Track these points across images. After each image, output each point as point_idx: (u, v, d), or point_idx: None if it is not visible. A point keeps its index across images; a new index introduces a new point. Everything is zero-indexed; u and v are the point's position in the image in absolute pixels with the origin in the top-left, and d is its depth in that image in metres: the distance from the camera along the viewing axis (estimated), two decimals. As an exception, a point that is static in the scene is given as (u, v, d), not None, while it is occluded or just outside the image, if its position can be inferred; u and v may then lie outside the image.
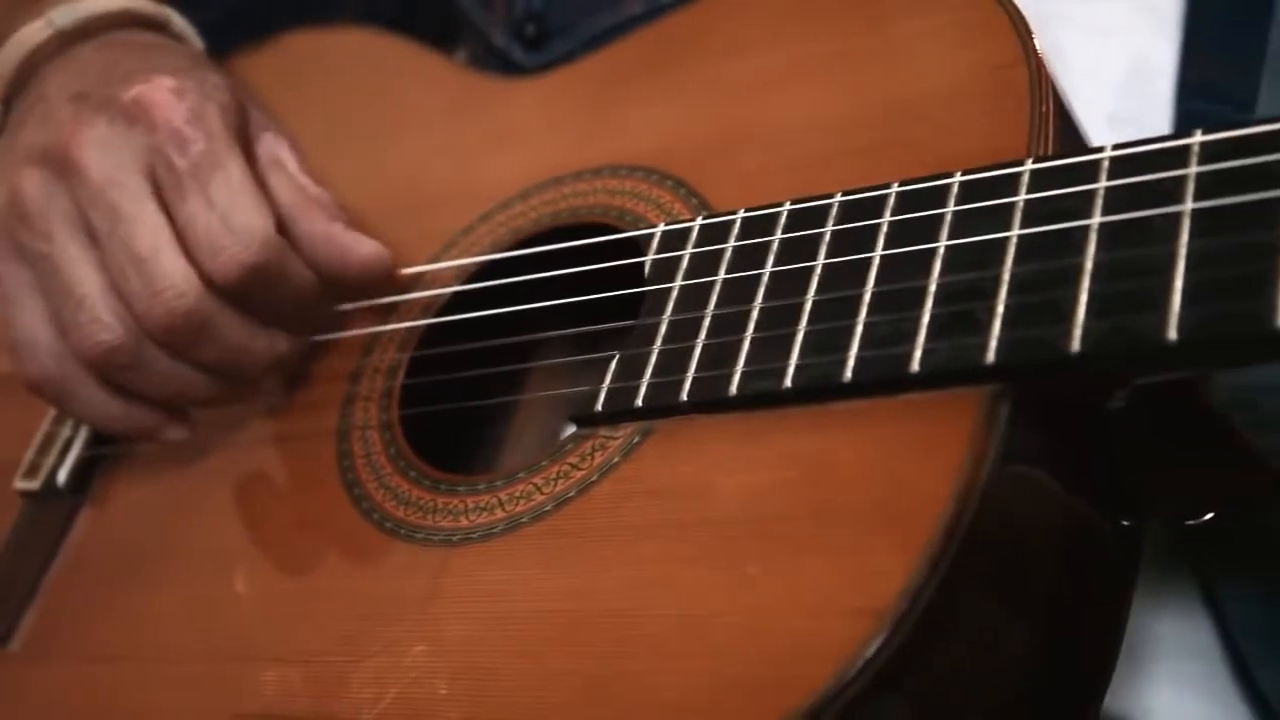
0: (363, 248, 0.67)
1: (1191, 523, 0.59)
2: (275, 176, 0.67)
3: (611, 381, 0.59)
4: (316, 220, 0.67)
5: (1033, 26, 0.73)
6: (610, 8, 0.81)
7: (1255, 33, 0.71)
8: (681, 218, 0.63)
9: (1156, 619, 0.73)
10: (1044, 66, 0.57)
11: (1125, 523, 0.57)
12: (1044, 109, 0.55)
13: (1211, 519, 0.69)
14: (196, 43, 0.81)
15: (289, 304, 0.66)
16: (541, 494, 0.58)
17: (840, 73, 0.64)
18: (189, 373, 0.67)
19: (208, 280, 0.64)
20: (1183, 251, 0.47)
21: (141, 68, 0.69)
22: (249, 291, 0.64)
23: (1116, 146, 0.51)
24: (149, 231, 0.65)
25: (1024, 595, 0.51)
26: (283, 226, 0.66)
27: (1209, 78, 0.71)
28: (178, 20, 0.80)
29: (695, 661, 0.50)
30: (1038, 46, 0.57)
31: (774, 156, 0.63)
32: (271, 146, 0.68)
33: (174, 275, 0.64)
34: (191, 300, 0.64)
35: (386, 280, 0.68)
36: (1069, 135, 0.58)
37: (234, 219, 0.64)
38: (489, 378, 0.68)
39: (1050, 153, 0.55)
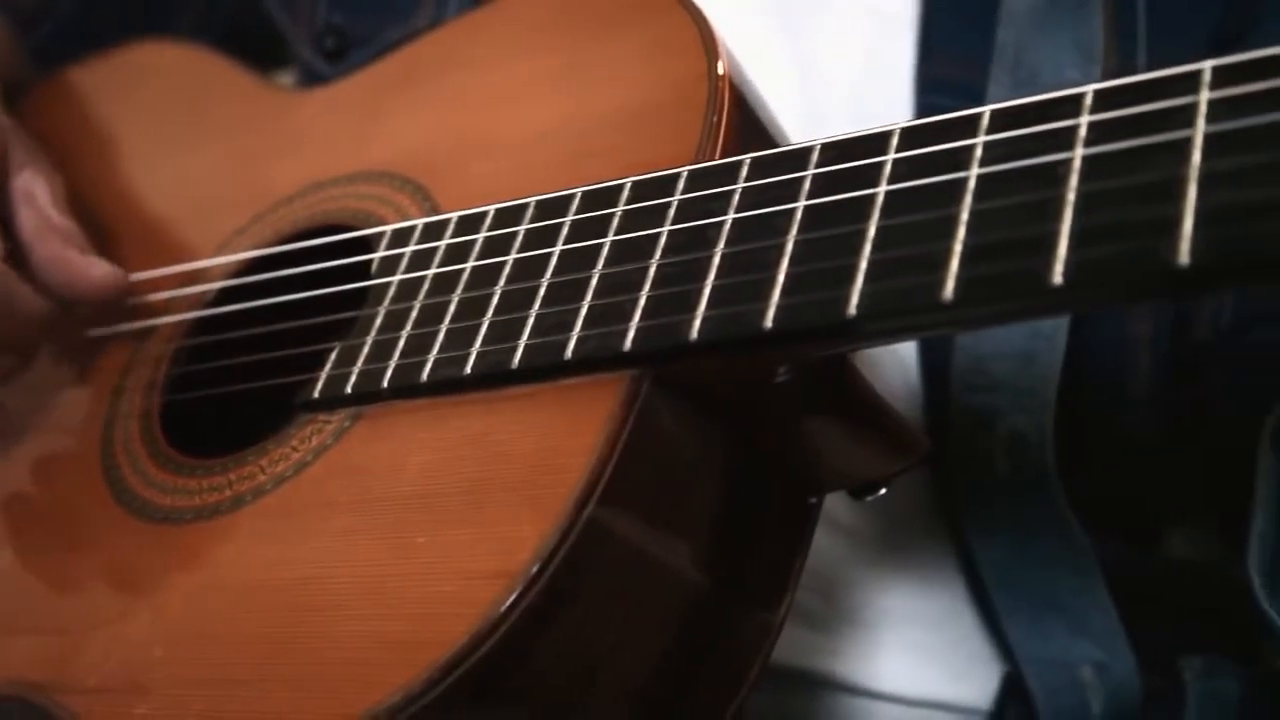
0: (93, 270, 0.72)
1: (870, 498, 0.63)
2: (23, 209, 0.74)
3: (330, 369, 0.63)
4: (51, 247, 0.73)
5: (782, 38, 0.79)
6: (401, 21, 0.86)
7: (983, 32, 0.76)
8: (412, 218, 0.67)
9: (897, 588, 0.78)
10: (725, 81, 0.61)
11: (812, 499, 0.62)
12: (715, 120, 0.60)
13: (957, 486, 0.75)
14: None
15: (20, 327, 0.71)
16: (264, 474, 0.63)
17: (563, 87, 0.68)
18: None
19: None
20: (789, 248, 0.52)
21: None
22: None
23: (755, 156, 0.56)
24: None
25: (664, 566, 0.55)
26: (23, 255, 0.71)
27: (943, 74, 0.77)
28: None
29: (366, 623, 0.55)
30: (722, 67, 0.62)
31: (499, 163, 0.68)
32: (25, 182, 0.75)
33: None
34: None
35: (124, 298, 0.74)
36: (753, 141, 0.62)
37: None
38: (263, 366, 0.73)
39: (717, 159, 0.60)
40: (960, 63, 0.77)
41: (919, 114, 0.75)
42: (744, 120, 0.62)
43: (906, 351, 0.75)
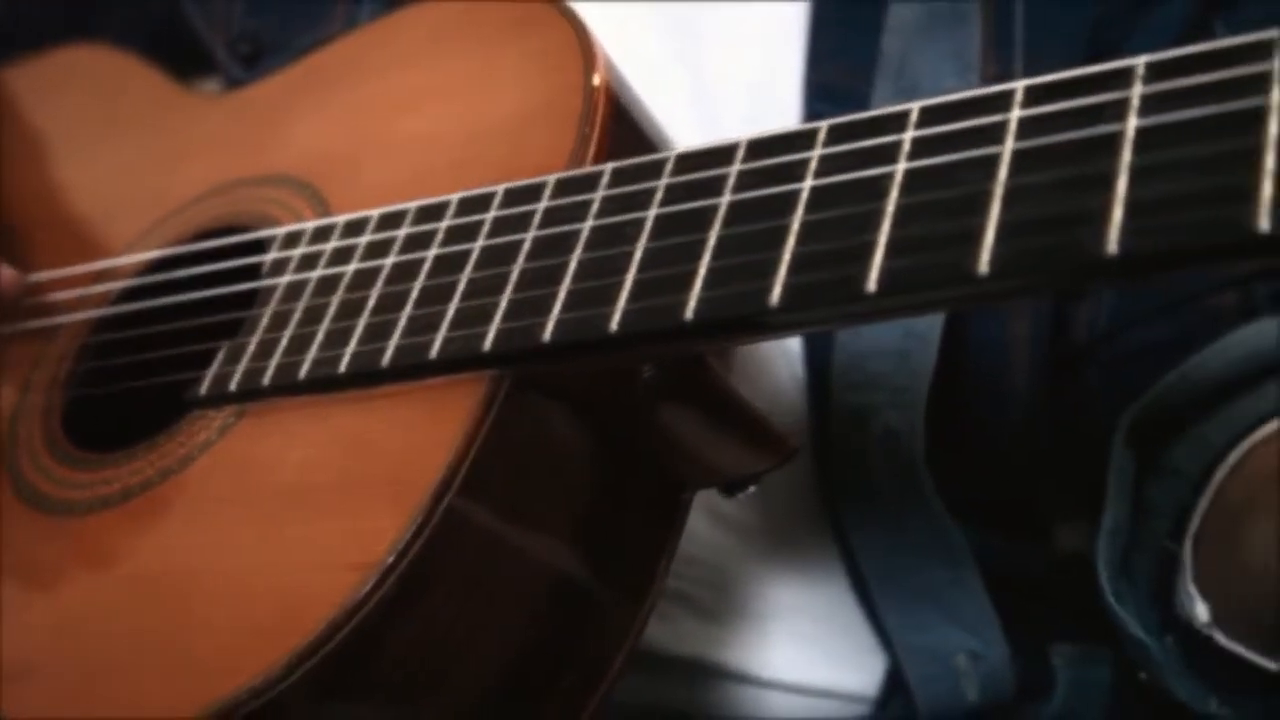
0: None
1: (740, 495, 0.66)
2: None
3: (217, 367, 0.66)
4: None
5: (676, 51, 0.82)
6: (313, 28, 0.88)
7: (869, 41, 0.79)
8: (306, 221, 0.70)
9: (785, 581, 0.81)
10: (601, 92, 0.64)
11: (682, 495, 0.64)
12: (587, 131, 0.62)
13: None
14: None
15: None
16: (152, 468, 0.66)
17: (454, 96, 0.71)
18: None
19: None
20: (638, 255, 0.55)
21: None
22: None
23: (615, 166, 0.59)
24: None
25: (524, 559, 0.58)
26: None
27: (831, 82, 0.79)
28: None
29: (237, 611, 0.57)
30: (598, 78, 0.64)
31: (391, 170, 0.70)
32: None
33: None
34: None
35: (25, 298, 0.76)
36: (633, 151, 0.65)
37: None
38: (161, 363, 0.75)
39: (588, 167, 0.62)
40: (847, 71, 0.79)
41: (807, 121, 0.78)
42: (622, 130, 0.64)
43: (794, 349, 0.78)
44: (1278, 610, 0.62)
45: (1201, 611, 0.66)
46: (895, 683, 0.80)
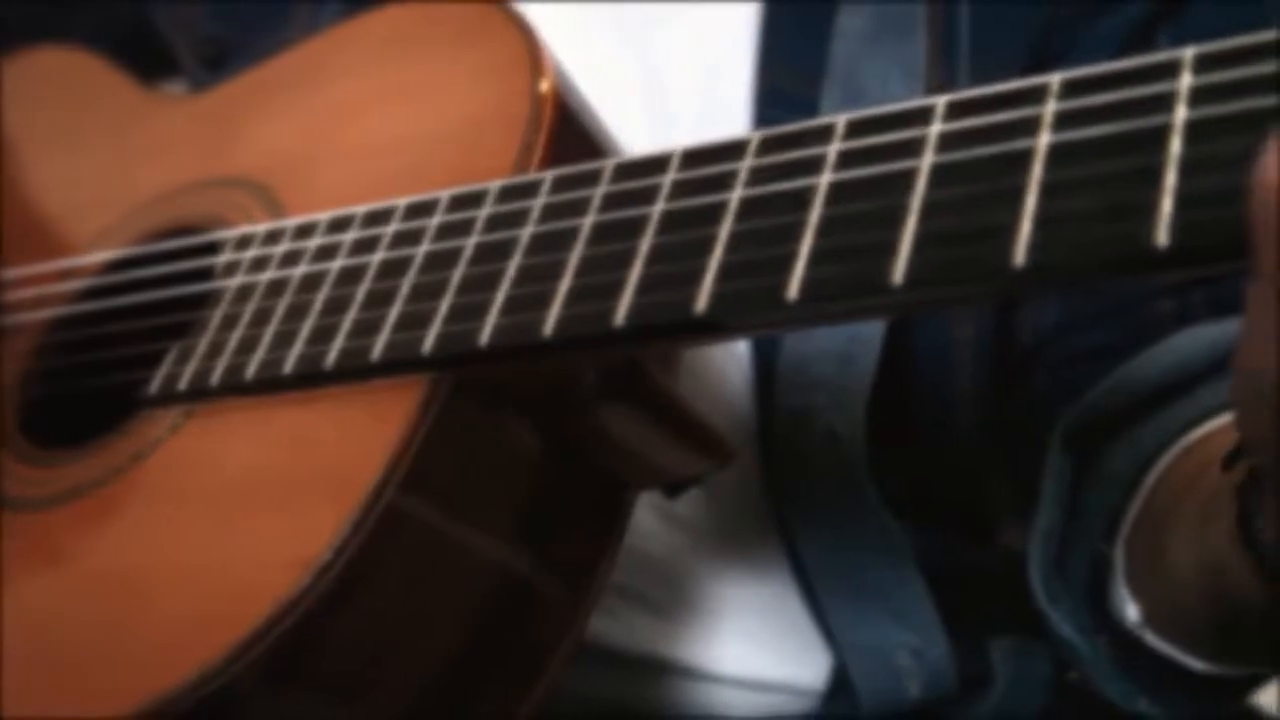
0: None
1: (672, 497, 0.68)
2: None
3: (168, 367, 0.67)
4: None
5: (629, 55, 0.83)
6: (276, 31, 0.89)
7: (819, 47, 0.80)
8: (259, 224, 0.71)
9: (734, 578, 0.82)
10: (547, 99, 0.65)
11: (625, 495, 0.66)
12: (532, 137, 0.64)
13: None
14: None
15: None
16: (105, 466, 0.67)
17: (408, 102, 0.72)
18: None
19: None
20: (573, 261, 0.56)
21: None
22: None
23: (556, 173, 0.60)
24: None
25: (463, 558, 0.59)
26: None
27: (780, 87, 0.81)
28: None
29: (181, 606, 0.59)
30: (544, 85, 0.65)
31: (345, 174, 0.71)
32: None
33: None
34: None
35: None
36: (580, 158, 0.66)
37: None
38: (115, 362, 0.77)
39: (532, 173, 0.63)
40: (797, 77, 0.81)
41: (757, 126, 0.80)
42: (568, 136, 0.66)
43: (743, 350, 0.80)
44: (1201, 613, 0.63)
45: (1132, 612, 0.68)
46: (840, 678, 0.81)
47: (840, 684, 0.81)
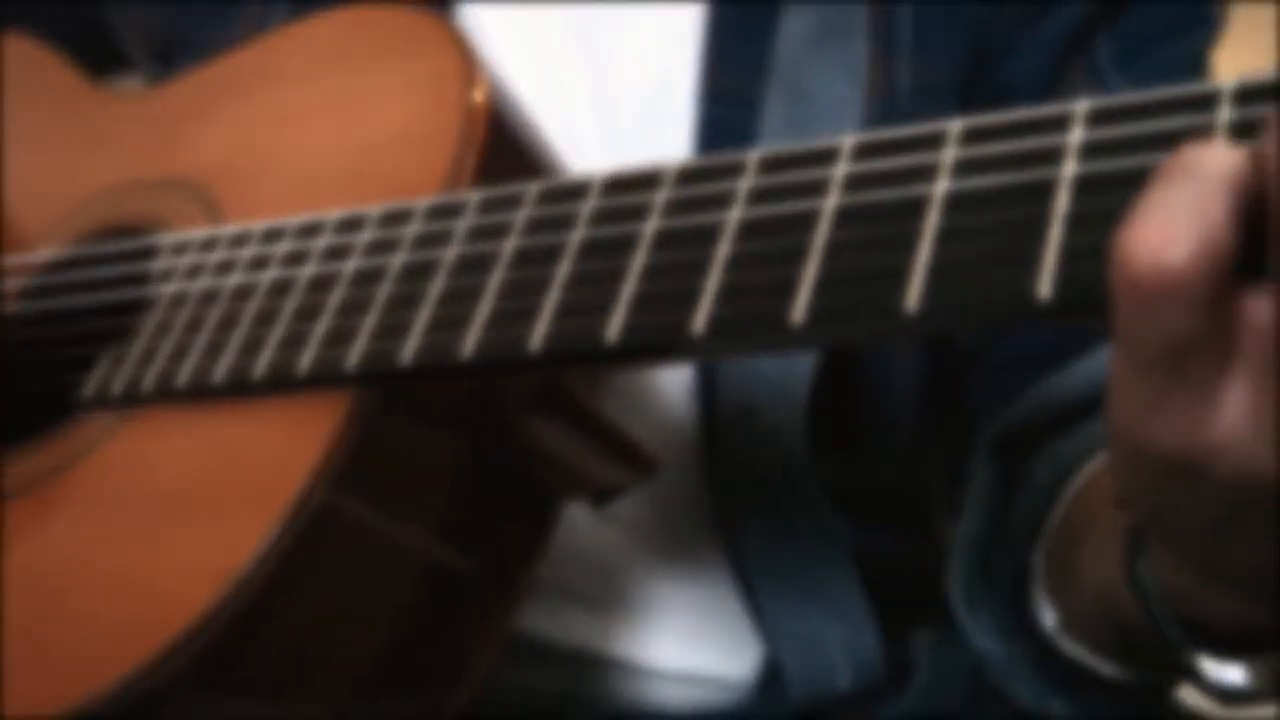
0: None
1: (599, 507, 0.69)
2: None
3: (102, 371, 0.68)
4: None
5: (579, 59, 0.83)
6: (225, 27, 0.90)
7: (762, 49, 0.81)
8: (198, 230, 0.72)
9: (670, 574, 0.84)
10: (479, 112, 0.66)
11: (552, 503, 0.67)
12: (462, 151, 0.65)
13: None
14: None
15: None
16: (34, 468, 0.68)
17: (349, 109, 0.73)
18: None
19: None
20: (493, 284, 0.57)
21: None
22: None
23: (483, 195, 0.61)
24: None
25: (387, 567, 0.61)
26: None
27: (725, 89, 0.82)
28: None
29: (106, 613, 0.60)
30: (478, 97, 0.66)
31: (283, 182, 0.72)
32: None
33: None
34: None
35: None
36: (515, 171, 0.67)
37: None
38: (52, 363, 0.78)
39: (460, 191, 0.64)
40: (741, 78, 0.81)
41: (701, 127, 0.81)
42: (502, 151, 0.67)
43: None
44: (1106, 629, 0.65)
45: (1049, 618, 0.69)
46: (771, 671, 0.83)
47: (771, 676, 0.83)
